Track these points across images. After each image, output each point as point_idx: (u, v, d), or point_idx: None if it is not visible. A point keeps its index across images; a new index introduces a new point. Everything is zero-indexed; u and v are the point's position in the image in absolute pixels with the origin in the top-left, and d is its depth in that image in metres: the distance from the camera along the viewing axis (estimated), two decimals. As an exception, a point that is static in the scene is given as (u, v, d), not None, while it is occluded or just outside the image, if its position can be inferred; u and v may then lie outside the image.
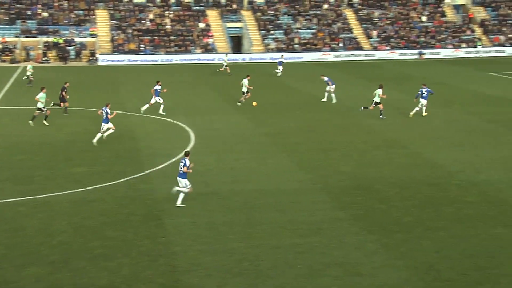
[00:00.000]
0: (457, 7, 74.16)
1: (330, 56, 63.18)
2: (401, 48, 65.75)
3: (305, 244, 16.05)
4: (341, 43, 65.54)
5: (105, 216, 18.05)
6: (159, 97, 32.82)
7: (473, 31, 69.60)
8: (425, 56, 64.15)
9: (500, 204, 19.10)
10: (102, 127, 26.31)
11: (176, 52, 61.66)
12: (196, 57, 61.09)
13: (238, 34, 66.88)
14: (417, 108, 32.36)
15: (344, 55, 63.82)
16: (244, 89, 35.96)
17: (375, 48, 65.51)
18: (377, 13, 70.53)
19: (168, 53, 61.42)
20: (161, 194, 20.01)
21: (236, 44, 66.59)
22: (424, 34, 68.12)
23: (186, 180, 18.78)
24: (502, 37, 68.61)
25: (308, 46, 64.50)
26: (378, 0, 72.39)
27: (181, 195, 18.80)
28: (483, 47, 66.80)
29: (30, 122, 29.79)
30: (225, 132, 29.26)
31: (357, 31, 68.01)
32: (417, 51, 64.84)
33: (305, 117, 32.66)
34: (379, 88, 32.00)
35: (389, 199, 19.67)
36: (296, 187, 20.96)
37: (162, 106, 32.84)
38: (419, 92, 32.49)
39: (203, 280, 14.22)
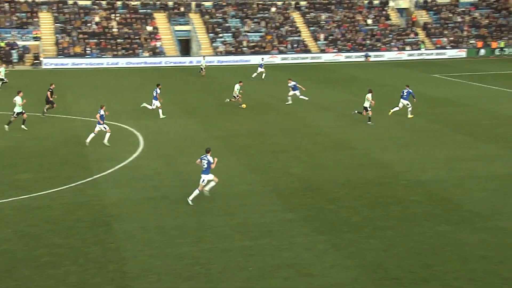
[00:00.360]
0: (400, 11, 75.94)
1: (277, 59, 63.58)
2: (348, 51, 66.82)
3: (256, 247, 16.09)
4: (289, 46, 66.11)
5: (51, 223, 17.62)
6: (157, 102, 33.08)
7: (416, 34, 71.39)
8: (371, 59, 65.38)
9: (444, 202, 19.63)
10: (104, 128, 26.28)
11: (123, 56, 60.87)
12: (142, 60, 60.44)
13: (186, 37, 66.57)
14: (398, 107, 33.21)
15: (291, 58, 64.37)
16: (235, 94, 36.13)
17: (323, 51, 66.35)
18: (324, 16, 71.50)
19: (115, 56, 60.57)
20: (110, 200, 19.69)
21: (185, 47, 66.26)
22: (370, 37, 69.43)
23: (209, 175, 19.12)
24: (444, 40, 70.64)
25: (256, 49, 64.77)
26: (325, 3, 73.40)
27: (210, 185, 19.32)
28: (426, 49, 68.60)
29: (22, 126, 29.22)
30: (175, 135, 29.05)
31: (305, 34, 68.76)
32: (363, 53, 66.04)
33: (255, 120, 32.77)
34: (369, 93, 31.52)
35: (338, 199, 19.93)
36: (247, 189, 20.99)
37: (160, 111, 33.02)
38: (402, 94, 33.45)
39: (154, 285, 14.06)
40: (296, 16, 71.08)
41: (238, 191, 20.75)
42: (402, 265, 15.03)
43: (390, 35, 70.01)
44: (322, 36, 68.27)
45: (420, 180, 22.07)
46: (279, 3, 72.24)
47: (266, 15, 70.25)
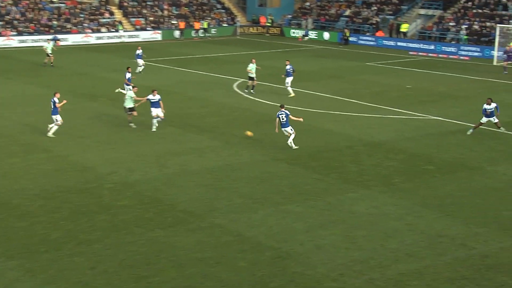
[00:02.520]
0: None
1: None
2: (31, 34, 64.69)
3: None
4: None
5: None
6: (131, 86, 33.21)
7: (112, 13, 72.37)
8: (62, 43, 64.19)
9: (157, 204, 20.37)
10: (56, 120, 27.71)
11: None
12: None
13: None
14: (289, 88, 37.59)
15: None
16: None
17: (-2, 34, 63.16)
18: (-3, -9, 68.05)
19: None
20: None
21: None
22: (57, 17, 68.26)
23: (289, 127, 26.05)
24: (143, 20, 72.86)
25: None
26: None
27: (291, 137, 26.17)
28: (125, 31, 69.98)
29: None
30: None
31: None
32: (51, 36, 64.55)
33: None
34: (252, 63, 37.76)
35: (32, 214, 19.39)
36: None
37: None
38: (288, 70, 37.50)
39: None
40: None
41: None
42: (112, 282, 15.19)
43: (82, 15, 69.76)
44: (-5, 15, 64.97)
45: (128, 181, 22.54)
46: None
47: None
